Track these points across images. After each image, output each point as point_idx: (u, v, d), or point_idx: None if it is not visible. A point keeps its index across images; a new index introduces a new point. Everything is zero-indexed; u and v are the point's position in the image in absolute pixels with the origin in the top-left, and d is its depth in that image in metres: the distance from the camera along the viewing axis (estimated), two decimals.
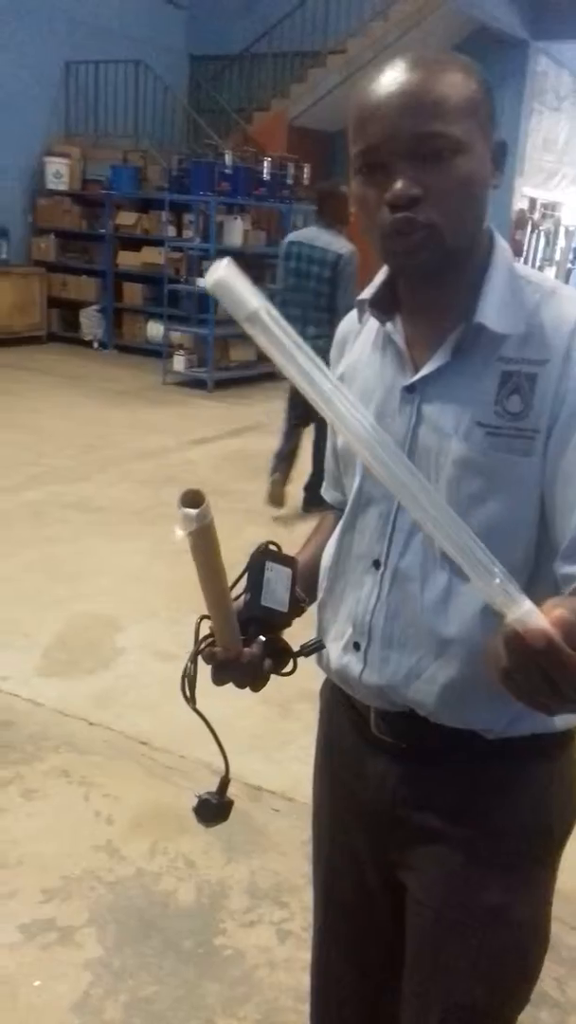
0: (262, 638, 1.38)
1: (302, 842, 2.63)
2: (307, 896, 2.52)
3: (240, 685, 1.38)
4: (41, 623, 3.90)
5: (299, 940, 2.27)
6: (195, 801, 1.43)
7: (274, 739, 3.13)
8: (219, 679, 1.35)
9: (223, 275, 0.84)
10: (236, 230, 9.20)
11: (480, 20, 11.22)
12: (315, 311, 4.92)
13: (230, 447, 6.97)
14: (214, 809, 1.45)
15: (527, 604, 0.83)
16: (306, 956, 2.23)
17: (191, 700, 1.34)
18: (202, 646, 1.34)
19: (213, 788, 1.34)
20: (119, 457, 6.45)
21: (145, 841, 2.60)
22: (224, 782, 1.41)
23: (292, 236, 5.33)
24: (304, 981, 2.16)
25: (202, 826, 1.45)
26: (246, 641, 1.36)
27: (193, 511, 1.06)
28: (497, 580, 0.83)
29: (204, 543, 1.11)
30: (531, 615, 0.82)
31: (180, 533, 1.06)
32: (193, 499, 1.06)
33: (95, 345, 10.31)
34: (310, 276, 4.99)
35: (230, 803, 1.43)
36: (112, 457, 6.43)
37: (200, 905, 2.38)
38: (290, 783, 2.84)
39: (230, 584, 1.24)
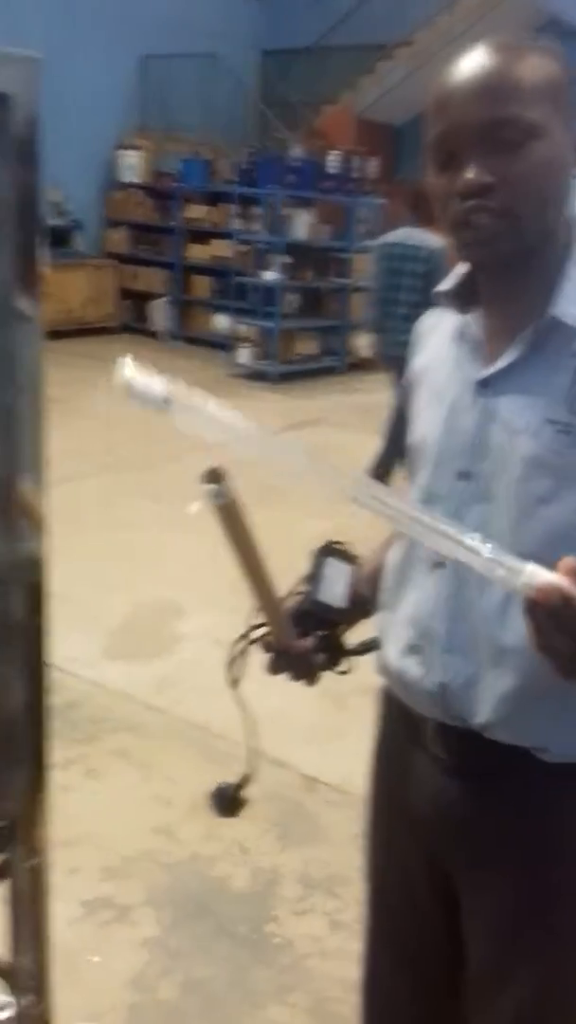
0: (319, 633, 1.40)
1: (355, 835, 2.64)
2: (359, 889, 2.55)
3: (295, 677, 1.40)
4: (107, 607, 3.99)
5: (351, 931, 2.29)
6: (214, 787, 1.44)
7: (330, 731, 3.15)
8: (273, 668, 1.38)
9: (128, 376, 0.89)
10: (302, 224, 9.22)
11: (550, 12, 11.00)
12: (411, 308, 4.97)
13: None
14: (227, 801, 1.45)
15: (529, 566, 0.83)
16: (357, 948, 2.26)
17: (233, 683, 1.37)
18: (254, 633, 1.37)
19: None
20: (185, 448, 6.51)
21: (201, 825, 2.65)
22: (245, 778, 1.42)
23: (385, 238, 5.42)
24: (354, 973, 2.19)
25: (215, 814, 1.46)
26: (302, 634, 1.37)
27: (213, 487, 1.07)
28: (487, 555, 0.82)
29: (231, 522, 1.12)
30: (536, 574, 0.82)
31: (194, 508, 1.07)
32: (215, 476, 1.07)
33: (163, 336, 10.44)
34: (403, 273, 5.08)
35: (244, 801, 1.42)
36: (178, 448, 6.50)
37: (254, 891, 2.42)
38: (345, 775, 2.86)
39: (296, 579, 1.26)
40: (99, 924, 2.27)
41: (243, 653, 1.37)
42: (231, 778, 1.41)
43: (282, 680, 1.37)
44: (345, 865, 2.53)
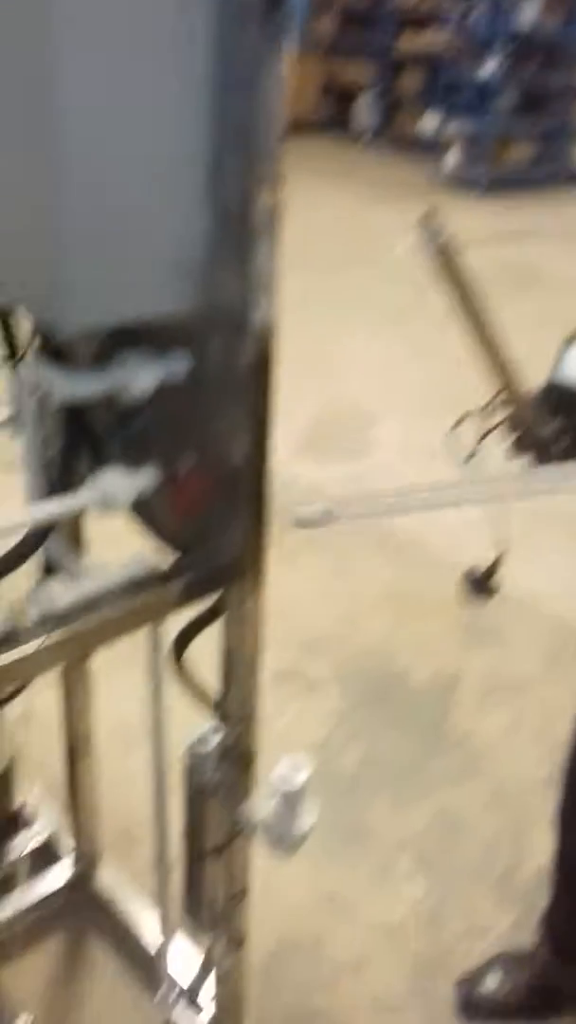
0: (562, 419, 1.32)
1: (542, 647, 2.64)
2: (543, 696, 2.57)
3: (536, 460, 1.34)
4: (299, 406, 3.99)
5: (530, 734, 2.32)
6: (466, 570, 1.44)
7: (526, 543, 3.09)
8: (517, 447, 1.32)
9: None
10: (528, 10, 8.22)
11: None
12: None
13: (500, 255, 6.57)
14: (479, 585, 1.46)
15: None
16: (536, 751, 2.30)
17: (469, 458, 1.32)
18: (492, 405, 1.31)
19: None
20: (379, 254, 6.28)
21: (387, 618, 2.71)
22: (496, 563, 1.41)
23: None
24: (532, 772, 2.23)
25: (468, 597, 1.47)
26: (545, 419, 1.31)
27: (427, 228, 1.07)
28: None
29: (448, 268, 1.11)
30: None
31: (400, 248, 1.08)
32: (430, 219, 1.09)
33: (366, 136, 9.87)
34: None
35: (496, 587, 1.43)
36: (372, 254, 6.28)
37: (436, 685, 2.47)
38: (533, 591, 2.82)
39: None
40: (290, 693, 2.40)
41: (483, 429, 1.31)
42: (480, 564, 1.40)
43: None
44: (527, 673, 2.53)
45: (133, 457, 1.19)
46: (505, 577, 3.00)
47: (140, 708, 2.37)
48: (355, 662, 2.53)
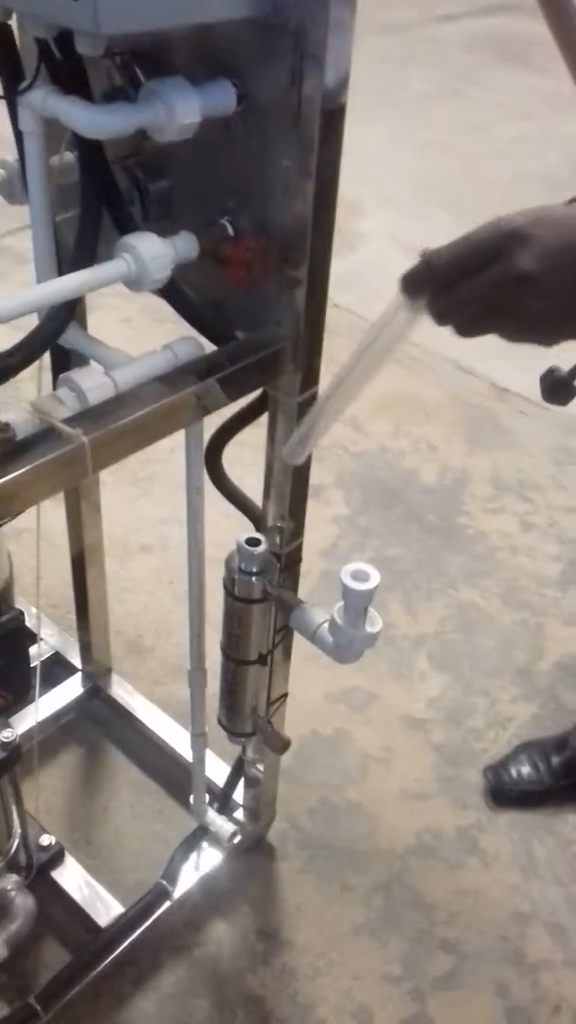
0: None
1: (550, 446, 2.56)
2: (553, 496, 2.52)
3: None
4: None
5: (543, 533, 2.28)
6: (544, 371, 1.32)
7: (528, 347, 2.95)
8: None
9: None
10: None
11: None
12: None
13: (483, 26, 6.00)
14: (558, 386, 1.35)
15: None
16: (549, 548, 2.26)
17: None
18: None
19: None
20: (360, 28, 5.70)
21: (388, 422, 2.59)
22: None
23: None
24: (546, 569, 2.21)
25: (545, 401, 1.36)
26: None
27: None
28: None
29: None
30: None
31: None
32: None
33: None
34: None
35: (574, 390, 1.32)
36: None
37: (443, 486, 2.40)
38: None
39: None
40: None
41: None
42: (563, 364, 1.27)
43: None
44: (538, 473, 2.46)
45: (166, 221, 1.02)
46: (509, 377, 2.89)
47: (133, 519, 2.30)
48: (359, 467, 2.44)
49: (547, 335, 0.72)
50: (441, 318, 0.73)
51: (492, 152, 4.31)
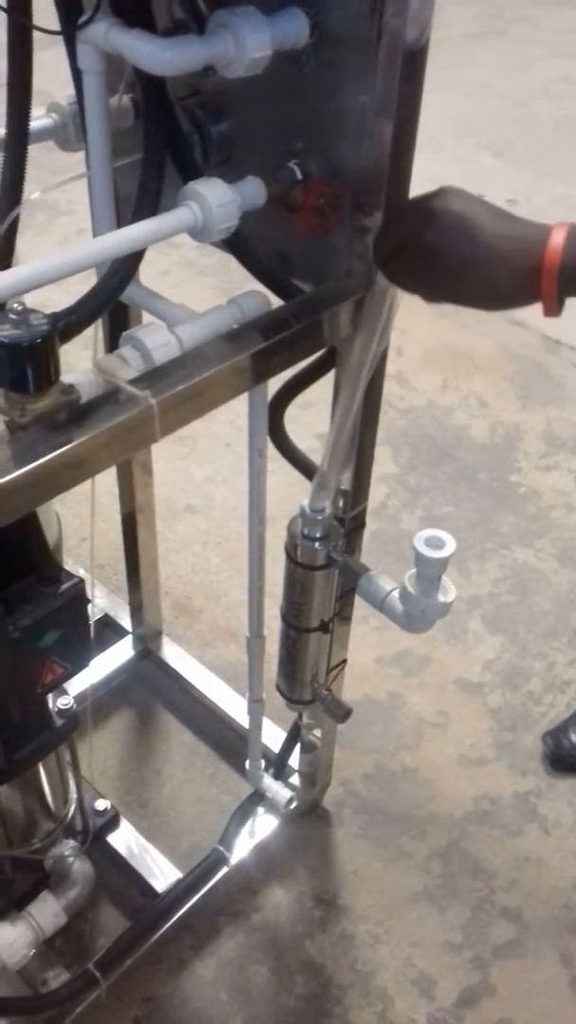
0: None
1: None
2: None
3: None
4: None
5: None
6: None
7: None
8: None
9: None
10: None
11: None
12: None
13: None
14: None
15: None
16: None
17: None
18: None
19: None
20: None
21: (436, 376, 2.52)
22: None
23: None
24: None
25: None
26: None
27: None
28: None
29: None
30: None
31: None
32: None
33: None
34: None
35: None
36: None
37: (494, 443, 2.33)
38: None
39: None
40: None
41: None
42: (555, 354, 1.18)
43: None
44: None
45: (227, 167, 0.96)
46: (562, 328, 2.79)
47: (178, 479, 2.26)
48: (407, 423, 2.37)
49: (447, 285, 0.85)
50: (375, 256, 0.89)
51: (538, 93, 4.14)
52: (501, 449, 2.31)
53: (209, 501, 2.14)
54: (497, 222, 0.81)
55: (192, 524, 2.09)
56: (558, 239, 0.78)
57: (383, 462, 2.25)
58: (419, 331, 2.66)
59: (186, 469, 2.22)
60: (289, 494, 1.12)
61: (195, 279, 2.71)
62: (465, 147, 3.63)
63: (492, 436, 2.35)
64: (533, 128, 3.82)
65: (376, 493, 2.18)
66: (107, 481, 1.56)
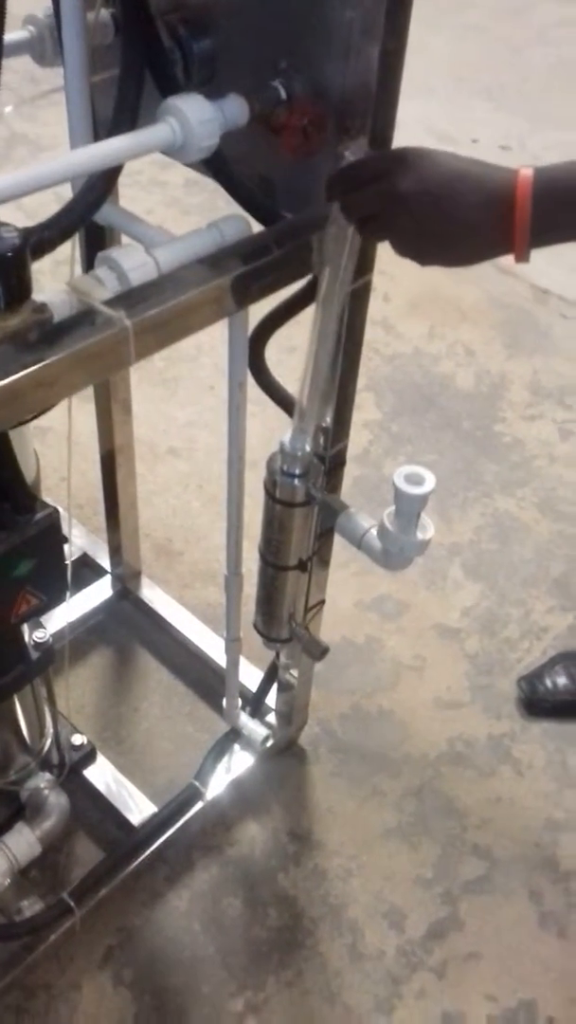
0: None
1: None
2: None
3: None
4: None
5: None
6: None
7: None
8: None
9: None
10: None
11: None
12: None
13: None
14: None
15: None
16: None
17: None
18: None
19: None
20: None
21: (423, 324, 2.49)
22: None
23: None
24: None
25: None
26: None
27: None
28: None
29: None
30: None
31: None
32: None
33: None
34: None
35: None
36: None
37: (479, 392, 2.31)
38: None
39: None
40: None
41: None
42: (543, 303, 1.16)
43: None
44: None
45: (210, 86, 0.93)
46: (552, 278, 2.76)
47: (160, 422, 2.23)
48: (391, 370, 2.35)
49: (417, 254, 0.85)
50: (344, 214, 0.86)
51: (533, 38, 4.05)
52: (486, 398, 2.29)
53: (191, 444, 2.12)
54: (465, 192, 0.80)
55: (174, 467, 2.08)
56: (524, 195, 0.78)
57: (367, 408, 2.24)
58: (406, 278, 2.63)
59: (168, 412, 2.20)
60: (272, 438, 1.11)
61: (180, 218, 2.66)
62: (459, 92, 3.56)
63: (477, 385, 2.33)
64: (528, 73, 3.74)
65: (359, 439, 2.18)
66: (87, 421, 1.54)
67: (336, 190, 0.86)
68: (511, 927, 1.42)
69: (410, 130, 3.38)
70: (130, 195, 2.87)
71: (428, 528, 1.01)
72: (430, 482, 0.94)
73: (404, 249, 0.85)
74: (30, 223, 0.80)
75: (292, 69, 0.88)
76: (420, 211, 0.80)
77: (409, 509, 0.98)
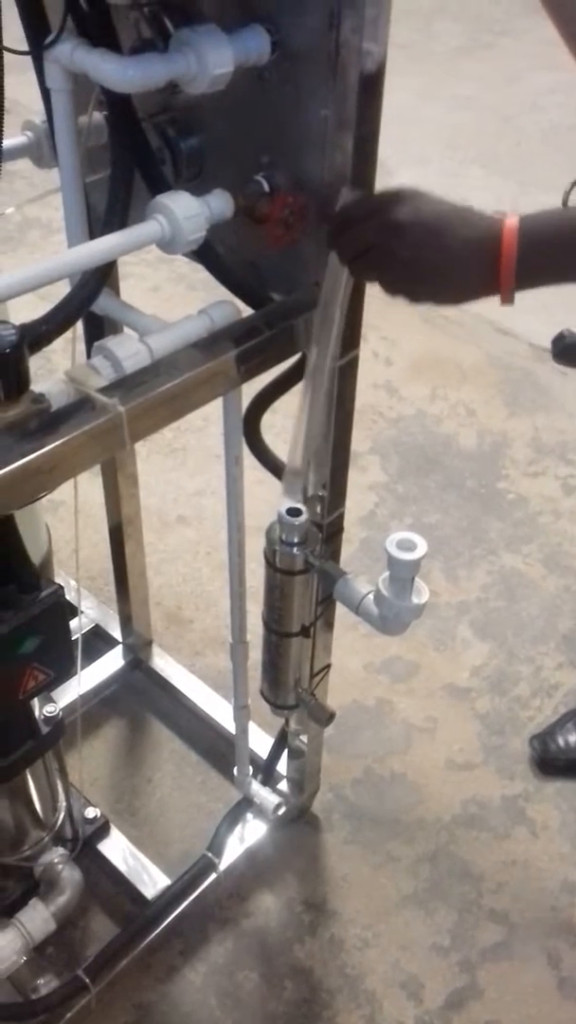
0: None
1: None
2: None
3: None
4: None
5: None
6: (556, 334, 1.28)
7: (566, 302, 2.88)
8: None
9: None
10: None
11: None
12: None
13: None
14: (565, 346, 1.31)
15: None
16: None
17: None
18: None
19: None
20: None
21: (425, 386, 2.54)
22: None
23: None
24: None
25: (556, 363, 1.32)
26: None
27: None
28: None
29: None
30: None
31: None
32: None
33: None
34: None
35: None
36: None
37: (482, 451, 2.34)
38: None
39: None
40: None
41: None
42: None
43: None
44: None
45: (199, 180, 0.98)
46: (548, 337, 2.81)
47: (169, 491, 2.28)
48: (396, 432, 2.39)
49: (409, 288, 0.86)
50: (339, 255, 0.89)
51: (526, 105, 4.18)
52: (489, 456, 2.33)
53: (200, 512, 2.16)
54: (457, 226, 0.84)
55: (183, 535, 2.11)
56: (510, 241, 0.81)
57: (372, 471, 2.27)
58: (408, 341, 2.69)
59: (177, 481, 2.24)
60: (278, 504, 1.14)
61: (186, 293, 2.74)
62: (453, 160, 3.66)
63: (480, 444, 2.36)
64: (520, 140, 3.85)
65: (365, 501, 2.21)
66: (97, 493, 1.58)
67: (335, 229, 0.89)
68: (530, 994, 1.39)
69: None
70: (138, 272, 2.99)
71: (423, 593, 1.02)
72: (422, 548, 0.96)
73: (396, 285, 0.86)
74: (40, 301, 0.84)
75: (274, 164, 0.93)
76: (414, 240, 0.83)
77: (403, 575, 1.00)
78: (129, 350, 0.86)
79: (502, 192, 3.43)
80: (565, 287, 0.84)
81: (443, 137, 3.82)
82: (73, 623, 1.79)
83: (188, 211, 0.85)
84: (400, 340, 2.69)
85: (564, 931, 1.46)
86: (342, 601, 1.13)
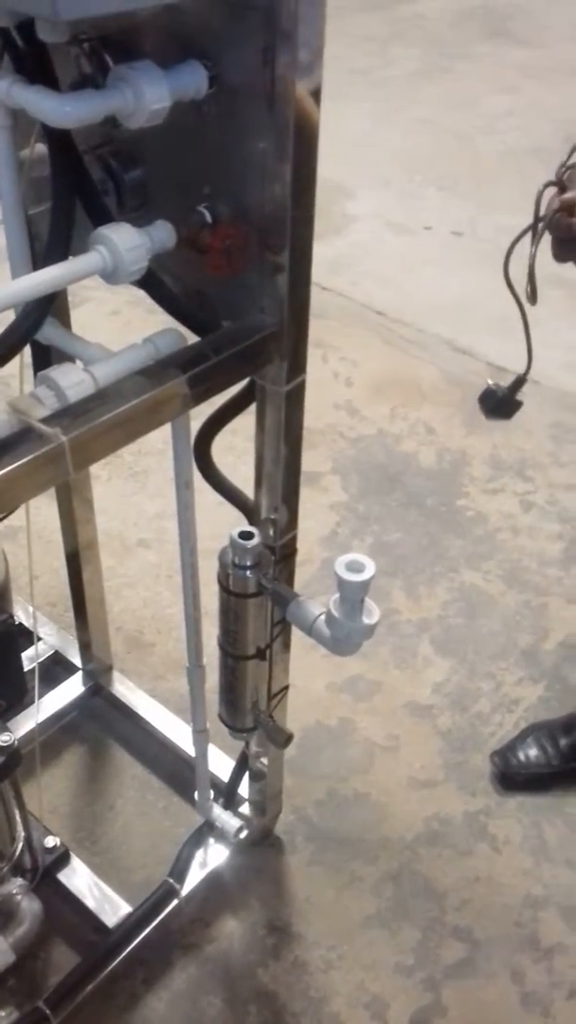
0: None
1: (548, 423, 2.53)
2: (552, 474, 2.50)
3: None
4: None
5: (542, 512, 2.25)
6: (483, 388, 1.31)
7: (518, 322, 2.92)
8: (562, 255, 1.18)
9: None
10: None
11: None
12: None
13: (467, 1, 5.92)
14: (498, 403, 1.33)
15: None
16: (551, 527, 2.24)
17: (530, 286, 1.18)
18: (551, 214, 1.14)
19: (500, 381, 1.22)
20: (336, 7, 5.62)
21: (385, 406, 2.57)
22: (519, 380, 1.28)
23: None
24: (548, 548, 2.18)
25: (484, 417, 1.35)
26: None
27: None
28: None
29: None
30: None
31: None
32: None
33: None
34: None
35: (518, 404, 1.30)
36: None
37: (441, 469, 2.37)
38: (535, 366, 2.68)
39: None
40: None
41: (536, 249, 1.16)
42: (501, 380, 1.26)
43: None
44: (538, 451, 2.44)
45: (142, 211, 0.99)
46: (505, 355, 2.84)
47: (130, 514, 2.28)
48: (356, 452, 2.41)
49: None
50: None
51: (482, 128, 4.25)
52: (448, 474, 2.35)
53: (161, 535, 2.16)
54: None
55: (144, 559, 2.11)
56: None
57: (333, 491, 2.29)
58: (368, 362, 2.72)
59: (138, 504, 2.24)
60: (238, 527, 1.15)
61: (145, 317, 2.75)
62: (412, 182, 3.72)
63: (440, 462, 2.39)
64: (477, 162, 3.92)
65: (327, 521, 2.23)
66: (55, 518, 1.58)
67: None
68: (494, 1009, 1.40)
69: (366, 222, 3.54)
70: (98, 296, 3.00)
71: (374, 613, 1.03)
72: (370, 569, 0.97)
73: None
74: None
75: (216, 194, 0.94)
76: None
77: (352, 596, 1.01)
78: (72, 379, 0.87)
79: (460, 214, 3.49)
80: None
81: (401, 160, 3.88)
82: (31, 650, 1.79)
83: (130, 242, 0.86)
84: (360, 361, 2.72)
85: (527, 947, 1.47)
86: (295, 623, 1.14)
